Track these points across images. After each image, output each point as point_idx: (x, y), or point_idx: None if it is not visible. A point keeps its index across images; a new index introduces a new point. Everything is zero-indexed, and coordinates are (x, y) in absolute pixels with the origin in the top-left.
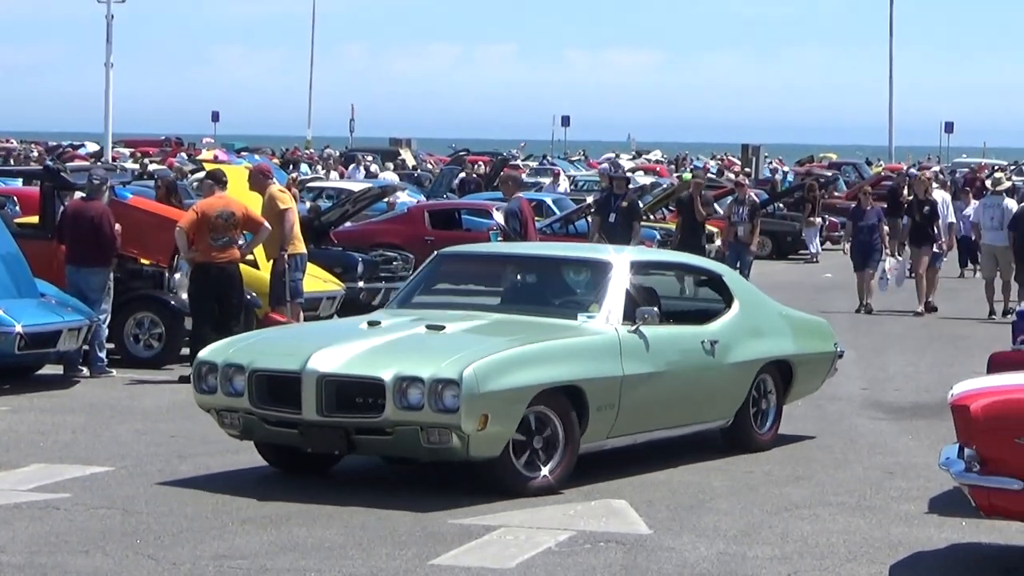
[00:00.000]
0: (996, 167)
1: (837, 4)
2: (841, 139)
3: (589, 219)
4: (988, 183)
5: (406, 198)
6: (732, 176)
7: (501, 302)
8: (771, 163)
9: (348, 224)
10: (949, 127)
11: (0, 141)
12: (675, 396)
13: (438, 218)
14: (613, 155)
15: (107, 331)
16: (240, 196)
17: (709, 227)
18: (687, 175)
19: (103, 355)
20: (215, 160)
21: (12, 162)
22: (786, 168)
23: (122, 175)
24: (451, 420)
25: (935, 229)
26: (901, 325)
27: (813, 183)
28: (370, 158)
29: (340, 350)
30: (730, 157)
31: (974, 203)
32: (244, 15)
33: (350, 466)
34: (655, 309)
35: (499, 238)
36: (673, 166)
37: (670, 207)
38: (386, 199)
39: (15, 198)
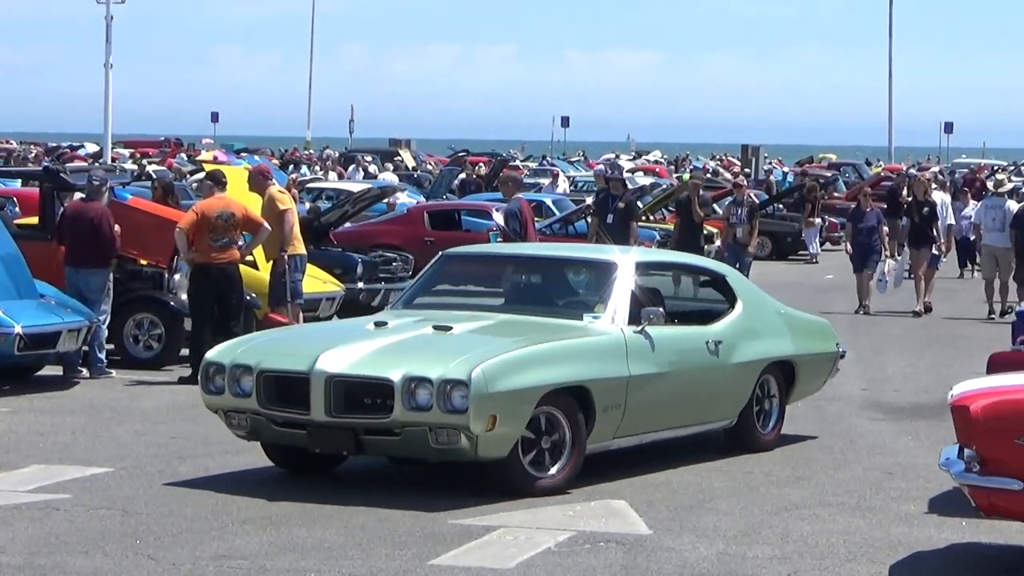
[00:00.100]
0: (996, 167)
1: (837, 4)
2: (841, 139)
3: (588, 220)
4: (990, 184)
5: (406, 199)
6: (728, 176)
7: (507, 303)
8: (770, 163)
9: (348, 225)
10: (949, 127)
11: (0, 142)
12: (680, 396)
13: (438, 219)
14: (613, 156)
15: (107, 332)
16: (240, 197)
17: (709, 227)
18: (687, 176)
19: (103, 356)
20: (215, 161)
21: (12, 163)
22: (786, 168)
23: (121, 176)
24: (460, 421)
25: (934, 230)
26: (900, 326)
27: (814, 183)
28: (369, 159)
29: (348, 351)
30: (730, 158)
31: (973, 204)
32: (244, 16)
33: (350, 467)
34: (660, 310)
35: (499, 239)
36: (673, 167)
37: (669, 208)
38: (386, 200)
39: (15, 199)
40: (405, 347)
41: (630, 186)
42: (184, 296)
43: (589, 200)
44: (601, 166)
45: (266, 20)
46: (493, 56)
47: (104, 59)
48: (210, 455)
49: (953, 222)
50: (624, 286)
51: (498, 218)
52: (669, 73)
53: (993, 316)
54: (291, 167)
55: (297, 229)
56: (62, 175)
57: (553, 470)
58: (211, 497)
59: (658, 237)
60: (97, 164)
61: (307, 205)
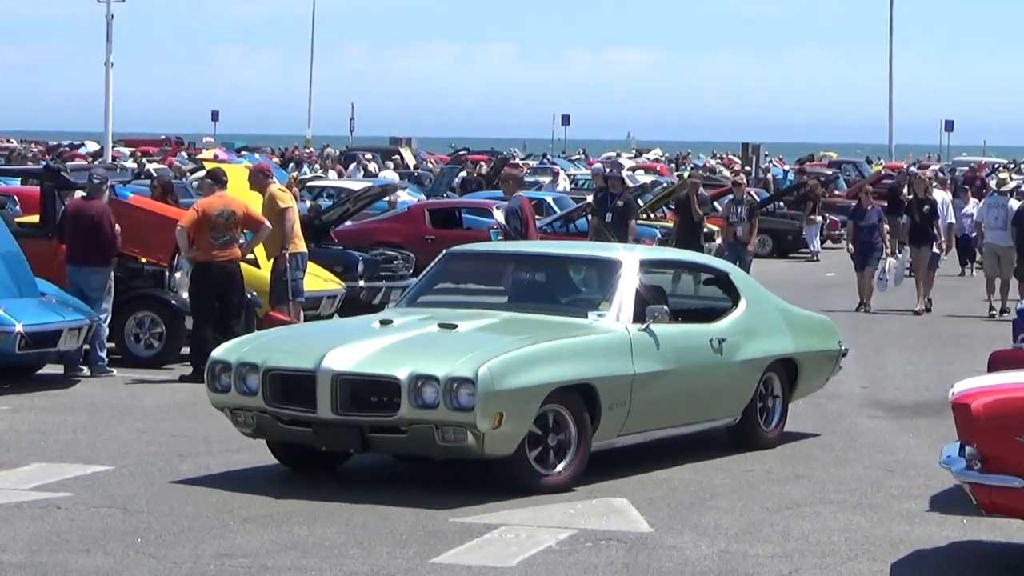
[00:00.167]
0: (996, 165)
1: (837, 4)
2: (841, 137)
3: (589, 218)
4: (992, 183)
5: (407, 197)
6: (728, 174)
7: (511, 300)
8: (770, 161)
9: (349, 223)
10: (949, 125)
11: (1, 141)
12: (684, 394)
13: (439, 217)
14: (614, 154)
15: (108, 330)
16: (240, 195)
17: (710, 225)
18: (687, 174)
19: (104, 354)
20: (215, 159)
21: (13, 162)
22: (787, 167)
23: (122, 174)
24: (466, 418)
25: (935, 228)
26: (901, 324)
27: (815, 181)
28: (368, 156)
29: (354, 349)
30: (731, 156)
31: (974, 202)
32: (244, 15)
33: (351, 465)
34: (665, 307)
35: (500, 237)
36: (673, 165)
37: (669, 206)
38: (387, 198)
39: (16, 197)
40: (411, 345)
41: (630, 184)
42: (185, 294)
43: (590, 199)
44: (599, 165)
45: (266, 19)
46: (493, 55)
47: (105, 58)
48: (211, 453)
49: (953, 221)
50: (629, 284)
51: (499, 216)
52: (669, 72)
53: (994, 312)
54: (291, 165)
55: (298, 227)
56: (63, 174)
57: (559, 467)
58: (212, 495)
59: (659, 235)
60: (97, 163)
61: (308, 203)
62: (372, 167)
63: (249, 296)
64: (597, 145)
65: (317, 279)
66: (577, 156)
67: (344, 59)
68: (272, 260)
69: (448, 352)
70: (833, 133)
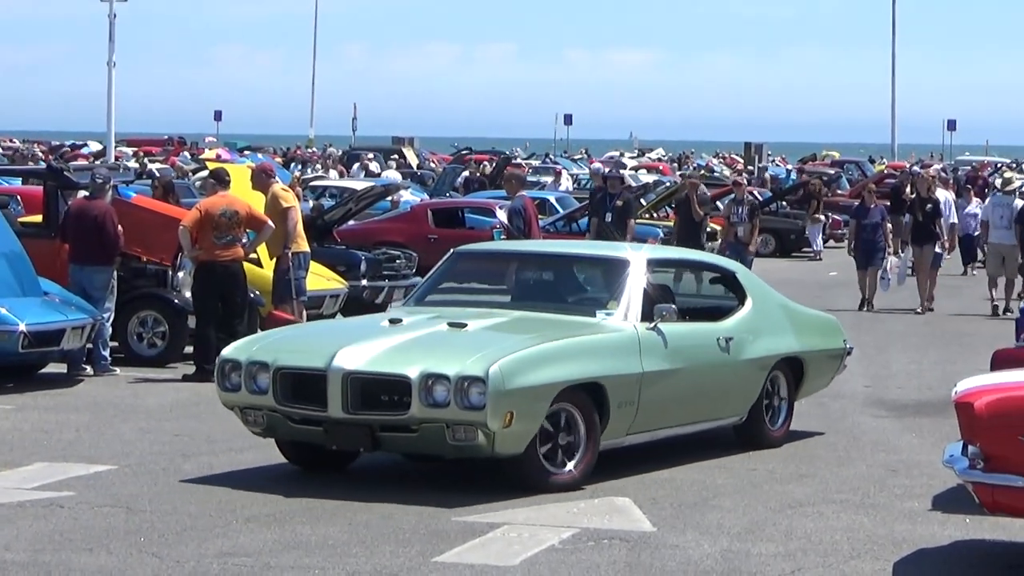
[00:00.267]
0: (999, 164)
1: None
2: (844, 137)
3: (591, 219)
4: (997, 183)
5: (410, 197)
6: (729, 173)
7: (519, 299)
8: (771, 160)
9: (351, 222)
10: (952, 125)
11: (3, 141)
12: (692, 393)
13: (441, 216)
14: (617, 153)
15: (111, 330)
16: (243, 195)
17: (712, 224)
18: (687, 174)
19: (107, 353)
20: (218, 159)
21: (15, 162)
22: (789, 166)
23: (125, 174)
24: (477, 417)
25: (937, 227)
26: (903, 323)
27: (817, 180)
28: (371, 156)
29: (365, 348)
30: (733, 155)
31: (977, 201)
32: (246, 15)
33: (355, 464)
34: (673, 306)
35: (503, 236)
36: (676, 164)
37: (671, 205)
38: (390, 197)
39: (19, 197)
40: (421, 344)
41: (633, 184)
42: (188, 294)
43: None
44: (598, 164)
45: (268, 19)
46: (493, 55)
47: (107, 57)
48: (214, 452)
49: (956, 221)
50: (637, 283)
51: (502, 216)
52: (671, 72)
53: (997, 305)
54: (292, 164)
55: (301, 227)
56: (66, 173)
57: (569, 466)
58: (215, 494)
59: (662, 234)
60: (100, 162)
61: (311, 203)
62: (374, 167)
63: (252, 295)
64: (600, 145)
65: (320, 278)
66: (580, 156)
67: (345, 59)
68: (275, 259)
69: (458, 351)
70: (836, 133)
